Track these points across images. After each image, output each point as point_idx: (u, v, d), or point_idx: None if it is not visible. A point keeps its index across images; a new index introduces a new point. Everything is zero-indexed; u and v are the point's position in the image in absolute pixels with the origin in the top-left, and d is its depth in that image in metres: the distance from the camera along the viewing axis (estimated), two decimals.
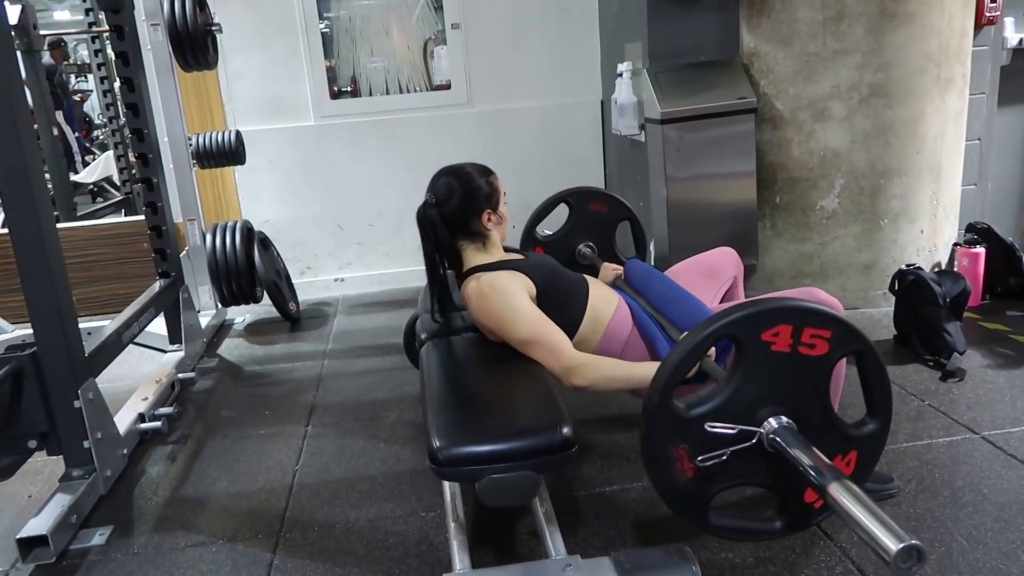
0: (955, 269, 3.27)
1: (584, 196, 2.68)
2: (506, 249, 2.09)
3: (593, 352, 1.89)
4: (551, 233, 2.70)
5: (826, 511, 1.41)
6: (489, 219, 1.96)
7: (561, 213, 2.69)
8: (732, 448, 1.33)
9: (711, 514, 1.41)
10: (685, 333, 1.76)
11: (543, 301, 1.88)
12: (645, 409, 1.32)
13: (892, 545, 1.05)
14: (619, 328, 1.96)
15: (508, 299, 1.83)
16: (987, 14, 3.50)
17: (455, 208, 1.95)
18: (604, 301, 2.00)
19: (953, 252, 3.37)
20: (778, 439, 1.31)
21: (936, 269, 3.30)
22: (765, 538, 1.50)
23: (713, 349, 1.63)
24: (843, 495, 1.16)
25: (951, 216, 3.42)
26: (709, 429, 1.32)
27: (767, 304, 1.33)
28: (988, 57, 3.61)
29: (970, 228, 3.41)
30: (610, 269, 2.33)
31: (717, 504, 1.42)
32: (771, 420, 1.33)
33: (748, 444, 1.33)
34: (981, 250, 3.22)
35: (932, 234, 3.32)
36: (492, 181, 2.00)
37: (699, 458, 1.33)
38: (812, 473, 1.23)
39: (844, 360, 1.62)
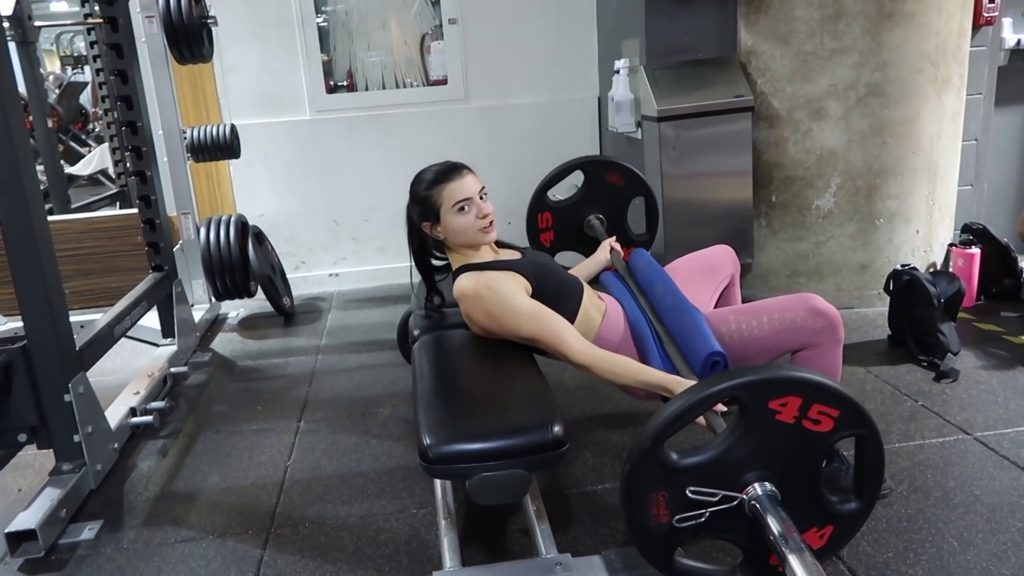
0: (950, 269, 3.27)
1: (602, 166, 2.56)
2: (503, 245, 2.05)
3: None
4: (563, 198, 2.58)
5: None
6: (433, 229, 1.92)
7: (575, 180, 2.58)
8: (712, 509, 1.32)
9: (675, 559, 1.40)
10: (690, 385, 1.73)
11: (538, 297, 1.86)
12: (635, 450, 1.31)
13: None
14: (609, 334, 1.95)
15: (504, 299, 1.81)
16: (985, 14, 3.49)
17: (407, 217, 1.99)
18: (595, 307, 1.98)
19: (948, 252, 3.37)
20: (758, 506, 1.30)
21: (931, 269, 3.29)
22: None
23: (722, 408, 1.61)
24: (800, 570, 1.17)
25: (947, 216, 3.42)
26: (691, 495, 1.30)
27: (782, 373, 1.30)
28: (986, 57, 3.61)
29: (966, 229, 3.40)
30: (607, 247, 2.28)
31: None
32: (756, 486, 1.31)
33: (728, 506, 1.32)
34: (976, 251, 3.21)
35: (928, 234, 3.32)
36: (432, 194, 1.89)
37: (676, 517, 1.32)
38: (780, 542, 1.23)
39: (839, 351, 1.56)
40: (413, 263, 2.06)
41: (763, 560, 1.37)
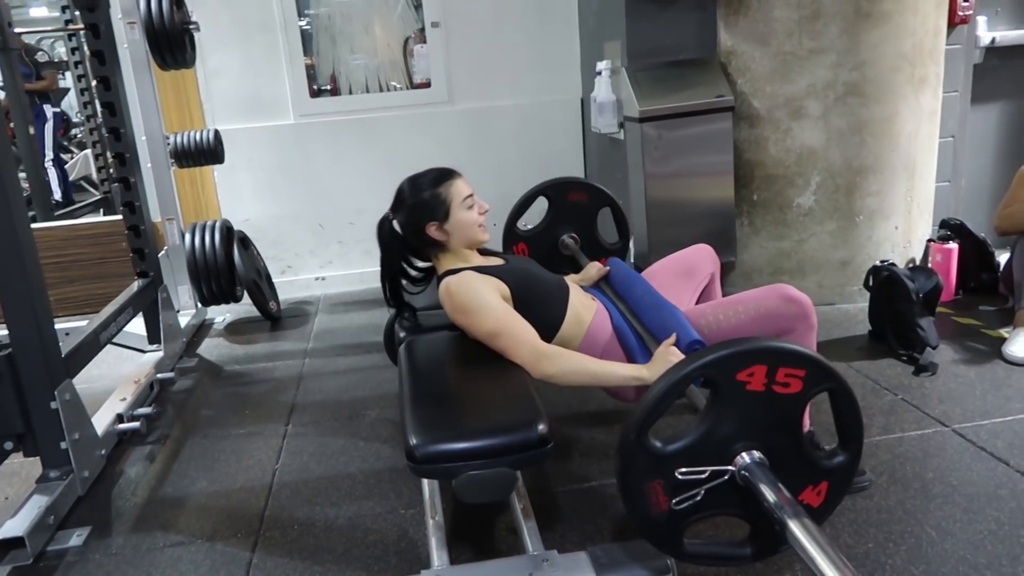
0: (929, 265, 3.32)
1: (563, 187, 2.67)
2: (487, 252, 2.09)
3: None
4: (532, 227, 2.70)
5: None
6: (437, 230, 1.95)
7: (542, 205, 2.69)
8: (706, 486, 1.36)
9: (685, 543, 1.44)
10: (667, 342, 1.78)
11: (519, 305, 1.88)
12: (621, 445, 1.35)
13: None
14: (598, 334, 1.98)
15: (473, 294, 1.84)
16: (960, 13, 3.55)
17: (402, 222, 2.00)
18: (584, 307, 2.02)
19: (927, 248, 3.42)
20: (749, 475, 1.34)
21: (910, 265, 3.34)
22: (736, 564, 1.54)
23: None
24: (801, 532, 1.22)
25: (925, 213, 3.47)
26: (680, 476, 1.34)
27: (743, 345, 1.34)
28: (961, 55, 3.67)
29: (943, 224, 3.45)
30: (595, 268, 2.31)
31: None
32: (744, 455, 1.36)
33: (721, 480, 1.36)
34: (954, 246, 3.27)
35: (907, 230, 3.37)
36: (440, 191, 1.94)
37: (674, 500, 1.36)
38: (775, 510, 1.27)
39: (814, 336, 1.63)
40: (384, 279, 2.07)
41: (769, 529, 1.40)
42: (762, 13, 3.13)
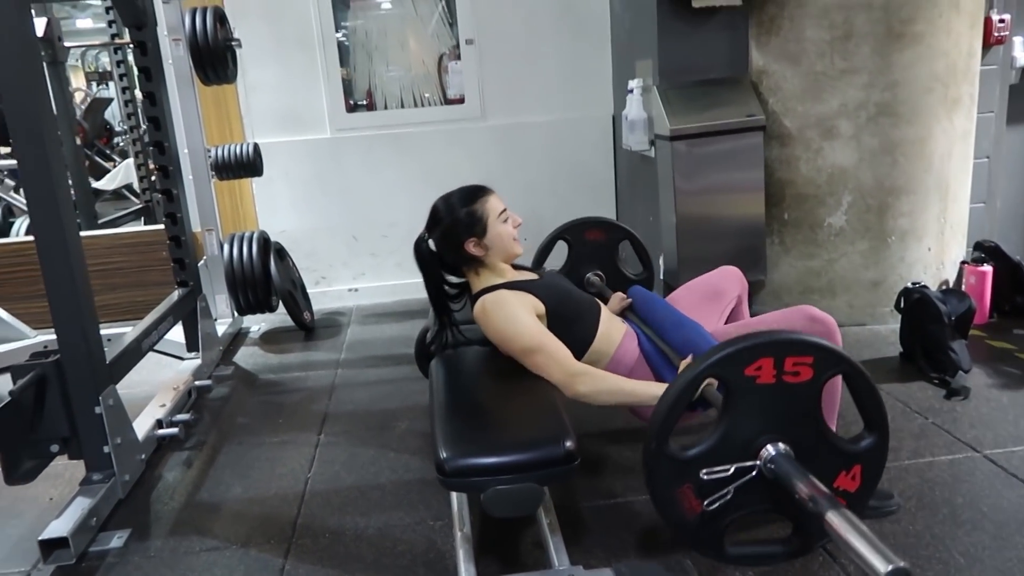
0: (963, 287, 3.29)
1: (579, 228, 2.74)
2: (520, 268, 2.13)
3: None
4: (556, 271, 2.75)
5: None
6: (477, 246, 1.99)
7: (563, 249, 2.76)
8: (735, 484, 1.37)
9: (727, 546, 1.45)
10: (684, 361, 1.81)
11: (552, 320, 1.93)
12: (644, 455, 1.38)
13: (881, 567, 1.09)
14: (626, 355, 2.02)
15: (508, 312, 1.89)
16: (995, 34, 3.52)
17: (440, 240, 2.03)
18: (614, 328, 2.06)
19: (961, 270, 3.39)
20: (775, 467, 1.35)
21: (943, 287, 3.31)
22: (782, 560, 1.53)
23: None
24: (839, 522, 1.21)
25: (959, 234, 3.44)
26: (706, 477, 1.36)
27: (747, 341, 1.36)
28: (997, 76, 3.64)
29: (978, 246, 3.42)
30: (618, 299, 2.34)
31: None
32: (768, 448, 1.37)
33: (749, 477, 1.37)
34: (988, 268, 3.23)
35: (939, 252, 3.34)
36: (476, 208, 1.99)
37: (705, 502, 1.38)
38: (810, 503, 1.27)
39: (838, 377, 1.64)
40: (432, 299, 2.09)
41: (809, 522, 1.40)
42: (794, 33, 3.14)
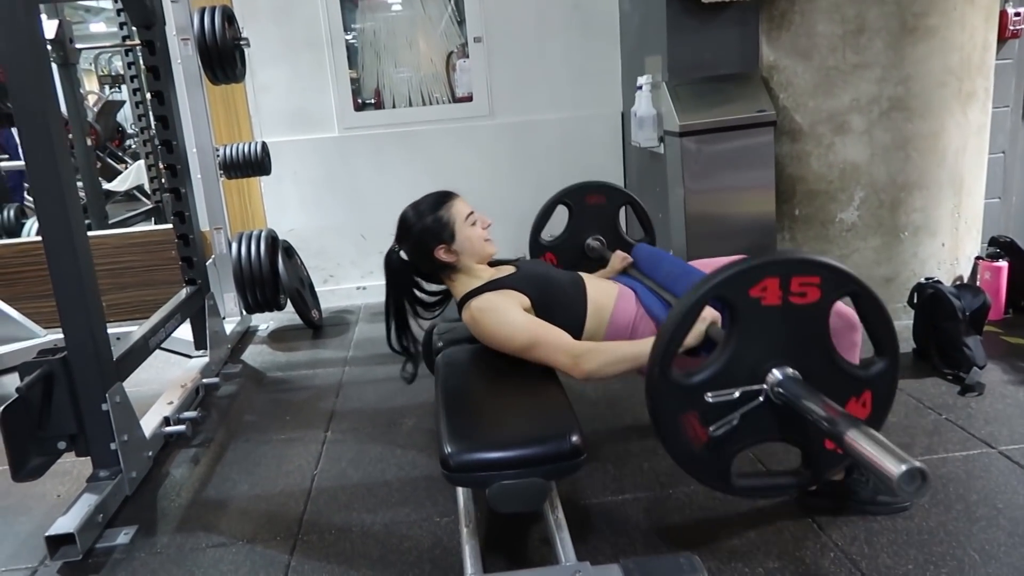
0: (977, 283, 3.24)
1: (580, 192, 2.71)
2: (496, 263, 2.10)
3: None
4: (557, 236, 2.74)
5: (848, 457, 1.41)
6: (447, 252, 1.97)
7: (564, 214, 2.73)
8: (741, 410, 1.32)
9: (733, 477, 1.39)
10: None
11: (540, 309, 1.91)
12: (647, 383, 1.33)
13: (895, 469, 1.05)
14: (623, 315, 1.99)
15: (498, 315, 1.87)
16: (1011, 28, 3.48)
17: (411, 250, 2.02)
18: (603, 294, 2.03)
19: (975, 266, 3.35)
20: (784, 391, 1.29)
21: (957, 283, 3.27)
22: (792, 491, 1.47)
23: (719, 317, 1.63)
24: (862, 439, 1.13)
25: (973, 230, 3.39)
26: (711, 400, 1.31)
27: (752, 261, 1.31)
28: (1012, 70, 3.59)
29: (993, 242, 3.38)
30: (619, 258, 2.32)
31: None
32: (775, 372, 1.31)
33: (756, 403, 1.31)
34: (1004, 264, 3.19)
35: (953, 247, 3.30)
36: (442, 214, 1.97)
37: (711, 428, 1.32)
38: (826, 424, 1.20)
39: (855, 320, 1.56)
40: (390, 313, 2.08)
41: (820, 450, 1.36)
42: (805, 28, 3.11)
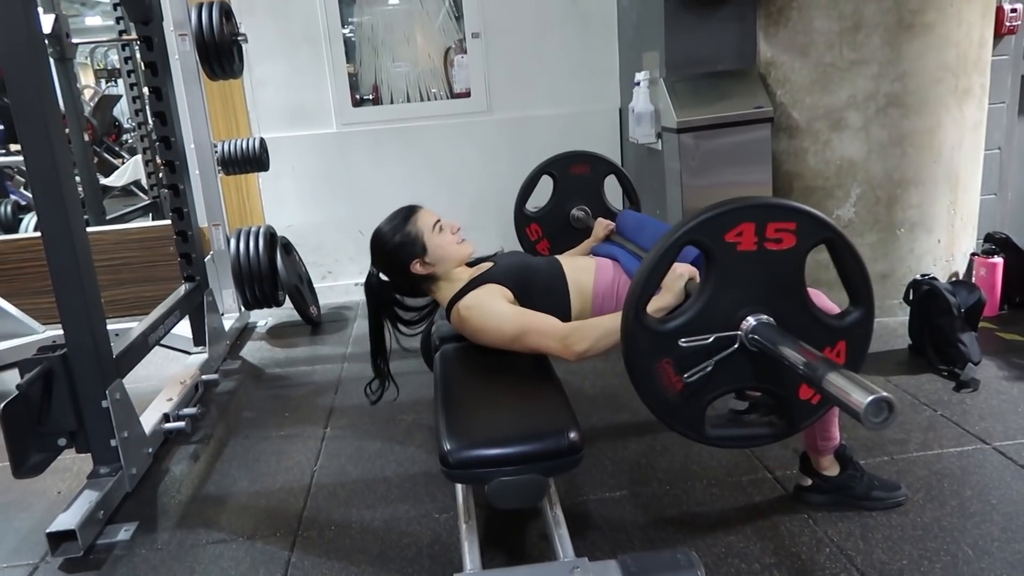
0: (973, 279, 3.26)
1: (564, 162, 2.71)
2: (474, 263, 2.11)
3: None
4: (541, 207, 2.75)
5: (824, 406, 1.39)
6: (422, 265, 1.98)
7: (548, 185, 2.74)
8: (716, 357, 1.31)
9: (708, 427, 1.39)
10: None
11: (523, 299, 1.92)
12: (622, 328, 1.32)
13: (861, 399, 1.05)
14: (606, 288, 2.00)
15: (484, 309, 1.88)
16: (1007, 24, 3.49)
17: (387, 270, 2.04)
18: (582, 272, 2.04)
19: (971, 262, 3.36)
20: (759, 337, 1.29)
21: (953, 279, 3.29)
22: (767, 441, 1.45)
23: (697, 273, 1.64)
24: (842, 381, 1.11)
25: (969, 226, 3.41)
26: (684, 344, 1.30)
27: (727, 205, 1.29)
28: (1008, 66, 3.61)
29: (988, 238, 3.39)
30: (602, 225, 2.33)
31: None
32: (749, 319, 1.31)
33: (731, 350, 1.31)
34: (999, 260, 3.20)
35: (949, 244, 3.31)
36: (409, 230, 1.98)
37: (685, 375, 1.31)
38: (802, 368, 1.19)
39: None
40: (372, 337, 2.13)
41: (794, 399, 1.36)
42: (802, 24, 3.12)
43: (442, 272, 2.00)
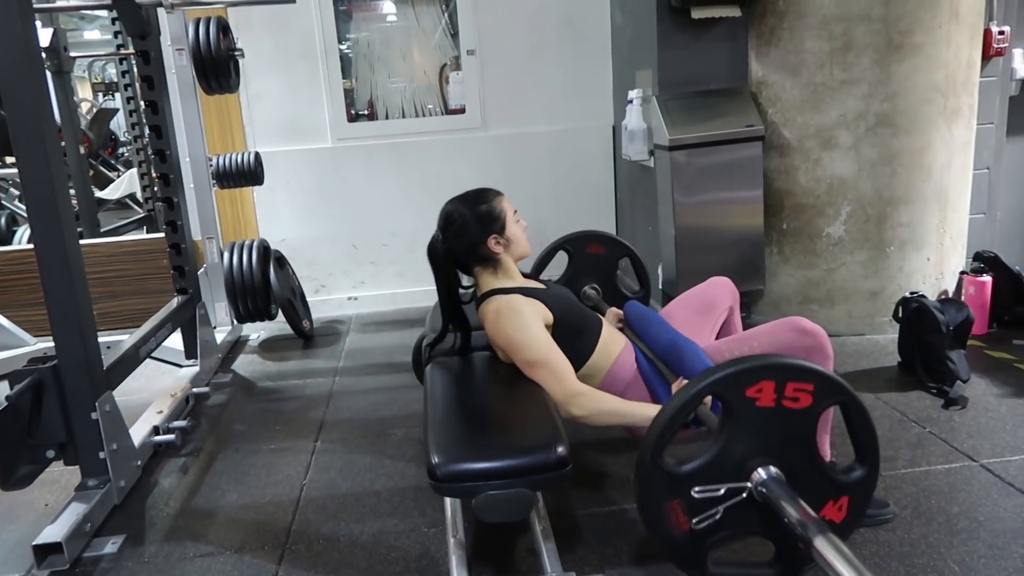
0: (962, 298, 3.28)
1: (581, 241, 2.73)
2: (526, 276, 2.14)
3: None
4: (555, 280, 2.74)
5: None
6: (497, 243, 2.00)
7: (563, 258, 2.74)
8: (724, 504, 1.37)
9: (710, 564, 1.44)
10: (677, 382, 1.82)
11: (557, 331, 1.93)
12: (638, 467, 1.38)
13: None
14: (622, 370, 2.02)
15: (521, 321, 1.88)
16: (995, 46, 3.53)
17: (460, 237, 2.00)
18: (613, 341, 2.06)
19: (960, 280, 3.39)
20: (766, 491, 1.35)
21: (942, 297, 3.31)
22: None
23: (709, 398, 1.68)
24: (828, 550, 1.21)
25: (958, 244, 3.44)
26: (696, 495, 1.36)
27: (750, 362, 1.37)
28: (997, 88, 3.65)
29: (977, 257, 3.42)
30: (613, 315, 2.35)
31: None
32: (760, 471, 1.37)
33: (739, 499, 1.37)
34: (988, 279, 3.23)
35: (939, 262, 3.34)
36: (495, 205, 2.01)
37: (694, 520, 1.37)
38: (798, 528, 1.27)
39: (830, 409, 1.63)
40: (443, 303, 2.08)
41: (794, 548, 1.40)
42: (794, 44, 3.16)
43: (505, 260, 2.02)
